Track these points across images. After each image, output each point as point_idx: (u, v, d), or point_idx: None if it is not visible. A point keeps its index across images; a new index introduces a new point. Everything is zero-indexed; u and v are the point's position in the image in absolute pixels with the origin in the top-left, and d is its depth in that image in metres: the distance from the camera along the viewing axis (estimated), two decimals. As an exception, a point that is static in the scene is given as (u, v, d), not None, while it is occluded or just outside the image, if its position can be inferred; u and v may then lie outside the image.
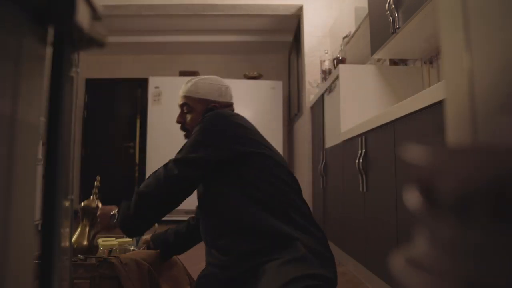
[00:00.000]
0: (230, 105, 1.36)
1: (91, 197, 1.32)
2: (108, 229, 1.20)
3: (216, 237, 1.12)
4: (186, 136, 1.35)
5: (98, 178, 1.39)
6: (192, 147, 1.14)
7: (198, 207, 1.22)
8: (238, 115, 1.25)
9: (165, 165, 1.15)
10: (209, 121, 1.18)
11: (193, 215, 1.41)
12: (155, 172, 1.16)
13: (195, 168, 1.13)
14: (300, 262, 0.99)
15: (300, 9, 3.87)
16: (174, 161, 1.14)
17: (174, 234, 1.40)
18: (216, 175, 1.14)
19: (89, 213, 1.28)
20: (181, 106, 1.35)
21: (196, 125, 1.23)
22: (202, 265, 1.19)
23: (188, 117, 1.33)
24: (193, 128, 1.26)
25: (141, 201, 1.12)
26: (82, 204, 1.30)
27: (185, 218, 1.47)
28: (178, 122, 1.36)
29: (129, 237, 1.17)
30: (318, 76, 3.49)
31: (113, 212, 1.18)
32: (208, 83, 1.33)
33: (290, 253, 1.00)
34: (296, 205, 1.12)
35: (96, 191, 1.34)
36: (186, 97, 1.33)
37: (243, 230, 1.07)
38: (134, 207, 1.12)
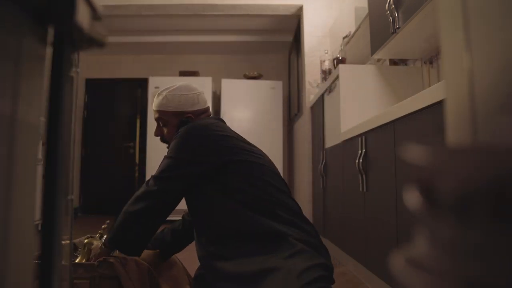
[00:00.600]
0: (205, 111, 1.35)
1: (97, 235, 1.34)
2: (100, 254, 1.19)
3: (209, 243, 1.11)
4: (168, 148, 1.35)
5: (107, 221, 1.41)
6: (167, 164, 1.16)
7: (189, 211, 1.23)
8: (214, 122, 1.24)
9: (147, 182, 1.17)
10: (182, 136, 1.17)
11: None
12: (139, 190, 1.19)
13: (173, 184, 1.14)
14: (302, 255, 0.99)
15: (300, 9, 3.87)
16: (154, 178, 1.16)
17: (171, 233, 1.40)
18: (201, 184, 1.15)
19: (89, 249, 1.30)
20: (156, 120, 1.34)
21: (173, 138, 1.24)
22: (202, 265, 1.19)
23: (165, 130, 1.33)
24: (171, 140, 1.26)
25: (129, 220, 1.14)
26: (86, 240, 1.32)
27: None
28: (156, 135, 1.36)
29: (130, 255, 1.19)
30: (318, 76, 3.49)
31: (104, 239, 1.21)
32: (179, 94, 1.31)
33: (288, 249, 1.01)
34: (283, 203, 1.13)
35: (102, 232, 1.37)
36: (159, 111, 1.32)
37: (235, 234, 1.07)
38: (124, 227, 1.14)
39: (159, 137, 1.37)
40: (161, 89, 1.35)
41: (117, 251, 1.29)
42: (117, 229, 1.15)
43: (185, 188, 1.16)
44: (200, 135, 1.17)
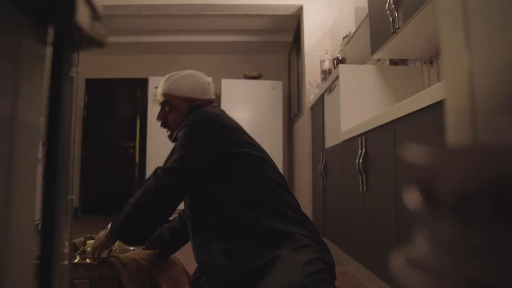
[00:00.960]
0: (212, 101, 1.32)
1: (77, 258, 1.26)
2: (105, 245, 1.14)
3: (212, 241, 1.10)
4: (169, 134, 1.30)
5: (85, 235, 1.32)
6: (180, 153, 1.11)
7: (188, 209, 1.20)
8: (223, 113, 1.22)
9: (155, 174, 1.12)
10: (195, 123, 1.14)
11: (183, 209, 1.39)
12: (146, 181, 1.13)
13: (184, 176, 1.10)
14: (307, 248, 1.00)
15: (300, 9, 3.87)
16: (163, 170, 1.11)
17: (169, 231, 1.39)
18: (208, 179, 1.12)
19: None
20: (162, 104, 1.28)
21: (180, 124, 1.19)
22: (202, 265, 1.19)
23: (170, 115, 1.27)
24: (177, 126, 1.22)
25: (136, 213, 1.10)
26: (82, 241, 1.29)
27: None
28: (159, 119, 1.29)
29: (131, 245, 1.16)
30: (318, 76, 3.49)
31: (104, 231, 1.14)
32: (191, 80, 1.27)
33: (294, 243, 1.01)
34: (286, 201, 1.13)
35: (82, 249, 1.28)
36: (167, 95, 1.26)
37: (239, 233, 1.06)
38: (131, 220, 1.10)
39: (160, 122, 1.30)
40: (171, 73, 1.29)
41: (117, 251, 1.29)
42: (123, 220, 1.11)
43: (195, 180, 1.12)
44: (213, 124, 1.14)
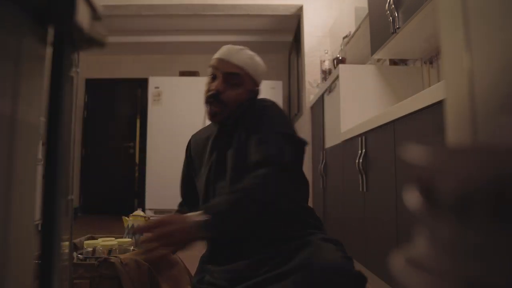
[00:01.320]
0: None
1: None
2: (192, 240, 0.91)
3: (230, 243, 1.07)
4: (211, 109, 1.12)
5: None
6: (284, 145, 1.00)
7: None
8: None
9: (271, 175, 0.95)
10: (278, 110, 1.10)
11: (180, 202, 1.35)
12: (257, 183, 0.94)
13: (291, 170, 1.00)
14: (330, 241, 1.00)
15: (300, 9, 3.87)
16: (281, 167, 0.96)
17: None
18: None
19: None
20: (229, 74, 1.11)
21: (235, 104, 1.10)
22: (202, 265, 1.18)
23: (233, 91, 1.11)
24: (232, 105, 1.11)
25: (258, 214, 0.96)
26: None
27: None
28: (216, 90, 1.10)
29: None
30: (318, 76, 3.49)
31: (195, 219, 0.87)
32: (261, 63, 1.20)
33: (319, 235, 1.02)
34: (311, 209, 1.14)
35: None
36: (241, 68, 1.12)
37: (268, 241, 1.03)
38: (240, 220, 0.95)
39: (213, 92, 1.11)
40: (234, 47, 1.16)
41: (117, 251, 1.28)
42: (231, 228, 0.95)
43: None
44: (286, 114, 1.12)
